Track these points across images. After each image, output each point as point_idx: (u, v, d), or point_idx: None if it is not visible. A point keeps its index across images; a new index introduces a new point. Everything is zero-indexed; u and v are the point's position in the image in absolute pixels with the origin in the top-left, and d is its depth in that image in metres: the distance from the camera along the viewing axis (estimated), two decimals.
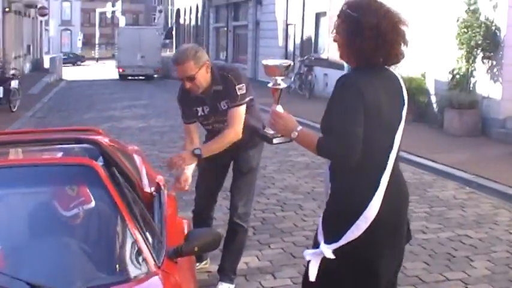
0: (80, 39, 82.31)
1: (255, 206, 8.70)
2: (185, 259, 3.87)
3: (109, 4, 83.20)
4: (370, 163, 3.45)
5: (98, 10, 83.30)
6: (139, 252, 3.44)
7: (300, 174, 10.86)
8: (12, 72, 21.80)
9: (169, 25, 57.53)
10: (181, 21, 52.24)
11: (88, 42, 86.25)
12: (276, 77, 3.65)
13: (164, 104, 22.98)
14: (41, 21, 51.31)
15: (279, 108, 3.63)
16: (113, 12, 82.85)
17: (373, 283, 3.57)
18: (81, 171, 3.90)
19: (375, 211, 3.41)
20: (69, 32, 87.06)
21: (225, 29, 38.25)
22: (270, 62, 3.70)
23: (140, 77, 39.59)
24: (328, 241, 3.49)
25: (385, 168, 3.46)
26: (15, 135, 5.66)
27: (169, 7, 58.04)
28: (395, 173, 3.54)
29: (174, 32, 54.80)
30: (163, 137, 15.25)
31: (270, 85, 3.67)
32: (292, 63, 3.85)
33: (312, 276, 3.52)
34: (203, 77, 5.27)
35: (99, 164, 3.91)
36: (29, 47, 42.31)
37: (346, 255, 3.45)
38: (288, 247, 7.09)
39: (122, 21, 74.97)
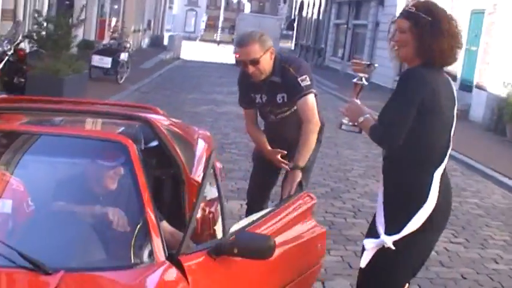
0: (203, 21, 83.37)
1: (327, 209, 8.45)
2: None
3: None
4: (430, 157, 3.74)
5: None
6: (149, 241, 3.24)
7: None
8: (124, 44, 22.11)
9: (292, 17, 57.44)
10: (304, 14, 52.09)
11: (212, 24, 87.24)
12: (360, 74, 4.05)
13: None
14: None
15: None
16: None
17: (421, 266, 3.99)
18: (114, 147, 3.76)
19: (434, 202, 3.68)
20: (194, 12, 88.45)
21: (345, 26, 37.85)
22: (358, 60, 4.19)
23: None
24: (389, 232, 3.73)
25: (441, 162, 3.74)
26: (72, 104, 5.57)
27: None
28: (445, 168, 3.83)
29: (295, 24, 54.74)
30: None
31: (354, 80, 4.05)
32: (375, 65, 4.17)
33: (364, 263, 3.81)
34: (267, 63, 5.05)
35: (132, 143, 3.75)
36: (149, 22, 43.08)
37: (405, 244, 3.70)
38: (347, 256, 6.80)
39: (247, 7, 75.60)
